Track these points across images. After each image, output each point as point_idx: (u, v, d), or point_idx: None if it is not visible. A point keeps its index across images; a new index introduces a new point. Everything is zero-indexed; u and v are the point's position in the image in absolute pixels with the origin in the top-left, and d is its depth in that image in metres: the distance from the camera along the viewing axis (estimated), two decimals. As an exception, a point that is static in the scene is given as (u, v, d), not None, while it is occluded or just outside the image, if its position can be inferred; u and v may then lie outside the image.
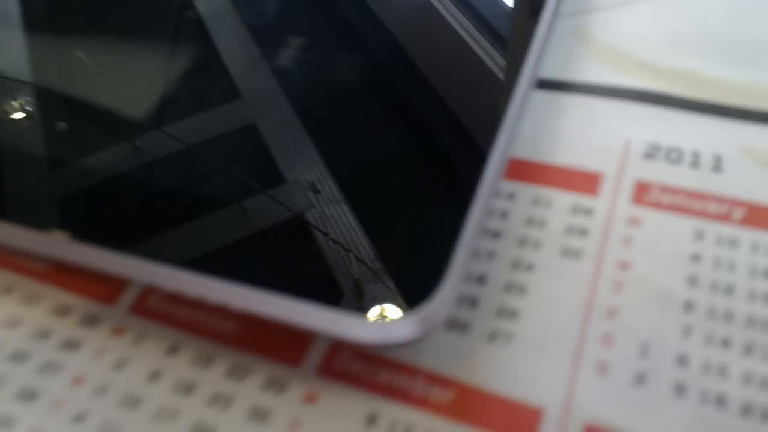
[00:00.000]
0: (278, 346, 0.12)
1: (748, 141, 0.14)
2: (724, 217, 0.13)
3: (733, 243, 0.13)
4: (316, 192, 0.63)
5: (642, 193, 0.14)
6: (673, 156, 0.14)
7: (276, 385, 0.12)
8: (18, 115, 0.81)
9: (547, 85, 0.16)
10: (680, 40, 0.17)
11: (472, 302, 0.13)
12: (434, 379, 0.11)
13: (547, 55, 0.16)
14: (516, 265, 0.13)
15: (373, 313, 0.52)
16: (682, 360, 0.11)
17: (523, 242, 0.13)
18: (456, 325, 0.12)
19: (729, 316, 0.12)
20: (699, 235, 0.13)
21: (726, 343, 0.11)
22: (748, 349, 0.11)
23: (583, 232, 0.13)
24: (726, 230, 0.13)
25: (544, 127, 0.15)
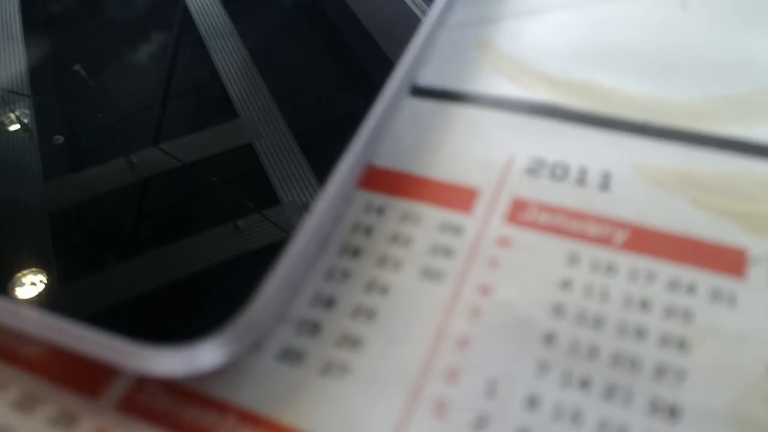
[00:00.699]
0: (78, 376, 0.11)
1: (642, 158, 0.13)
2: (604, 241, 0.11)
3: (610, 269, 0.11)
4: None
5: (518, 211, 0.12)
6: (558, 172, 0.13)
7: (66, 418, 0.10)
8: (14, 127, 0.79)
9: (428, 93, 0.14)
10: (583, 51, 0.15)
11: (314, 328, 0.11)
12: (247, 419, 0.10)
13: (438, 63, 0.15)
14: (370, 287, 0.11)
15: None
16: (533, 402, 0.10)
17: (382, 262, 0.12)
18: (289, 354, 0.11)
19: (593, 353, 0.10)
20: (573, 260, 0.11)
21: (585, 384, 0.10)
22: (609, 392, 0.10)
23: (448, 253, 0.12)
24: (604, 255, 0.11)
25: (421, 137, 0.14)
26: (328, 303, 0.11)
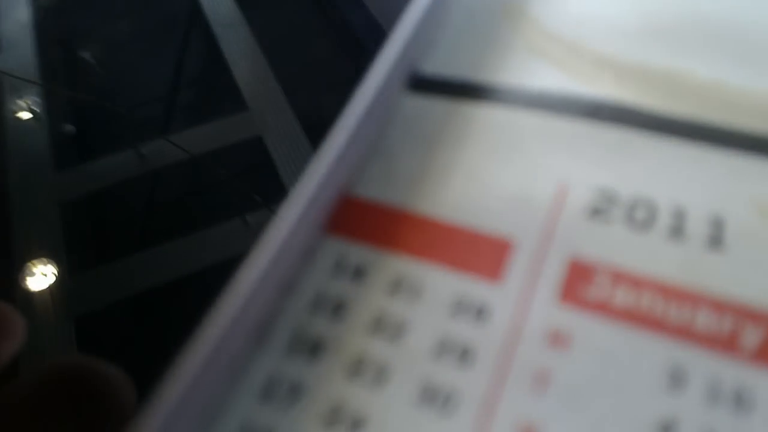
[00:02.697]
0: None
1: (771, 193, 0.08)
2: (725, 343, 0.07)
3: (740, 398, 0.06)
4: None
5: (578, 282, 0.07)
6: (640, 215, 0.08)
7: None
8: (25, 115, 0.74)
9: (436, 86, 0.09)
10: (662, 25, 0.10)
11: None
12: None
13: (449, 44, 0.10)
14: (335, 416, 0.07)
15: None
16: None
17: (358, 368, 0.07)
18: None
19: None
20: (676, 378, 0.06)
21: None
22: None
23: (465, 355, 0.07)
24: (728, 370, 0.06)
25: (424, 155, 0.09)
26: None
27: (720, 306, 0.07)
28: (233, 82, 1.06)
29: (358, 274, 0.08)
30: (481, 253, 0.07)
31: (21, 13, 1.21)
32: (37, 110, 0.96)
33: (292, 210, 0.07)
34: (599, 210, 0.08)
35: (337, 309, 0.07)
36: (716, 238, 0.07)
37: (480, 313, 0.07)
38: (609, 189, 0.08)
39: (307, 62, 1.10)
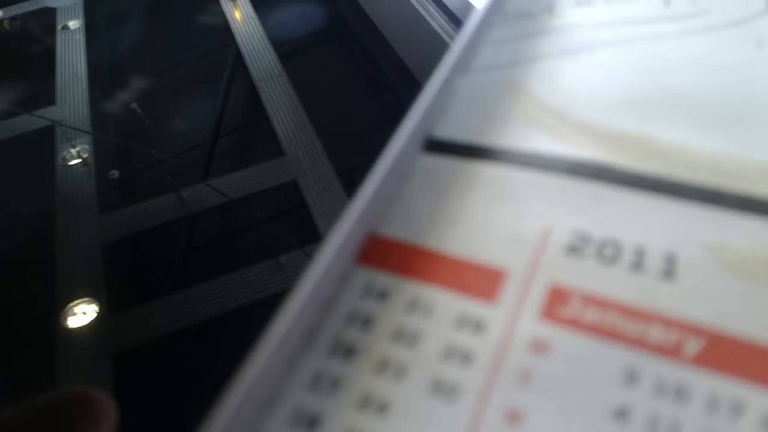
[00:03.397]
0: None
1: (718, 237, 0.10)
2: (671, 351, 0.08)
3: (680, 393, 0.08)
4: None
5: (556, 303, 0.09)
6: (608, 252, 0.10)
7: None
8: (75, 162, 0.80)
9: (446, 147, 0.11)
10: (636, 98, 0.12)
11: (289, 459, 0.08)
12: None
13: (458, 112, 0.12)
14: (366, 402, 0.08)
15: None
16: None
17: (383, 367, 0.09)
18: (253, 496, 0.08)
19: None
20: (631, 377, 0.08)
21: None
22: None
23: (466, 358, 0.09)
24: (672, 371, 0.08)
25: (436, 202, 0.11)
26: (311, 424, 0.08)
27: (669, 322, 0.09)
28: (271, 129, 1.10)
29: (382, 296, 0.10)
30: (480, 280, 0.09)
31: (76, 69, 1.29)
32: (86, 156, 1.02)
33: (331, 245, 0.09)
34: (575, 248, 0.10)
35: (366, 322, 0.09)
36: (669, 271, 0.09)
37: (478, 326, 0.09)
38: (584, 231, 0.10)
39: (341, 110, 1.15)
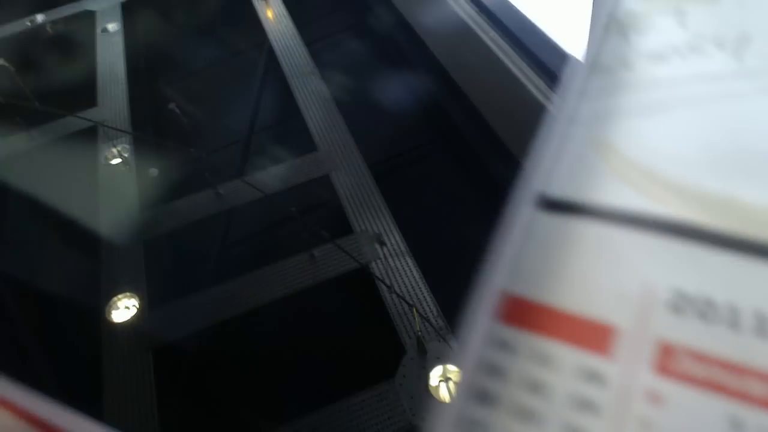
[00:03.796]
0: None
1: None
2: (770, 403, 0.10)
3: (782, 441, 0.09)
4: (382, 244, 0.62)
5: (666, 359, 0.11)
6: (706, 310, 0.11)
7: None
8: (116, 161, 0.85)
9: (556, 206, 0.13)
10: (720, 158, 0.13)
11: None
12: None
13: (557, 169, 0.14)
14: (508, 446, 0.10)
15: (435, 372, 0.49)
16: None
17: (519, 414, 0.10)
18: None
19: None
20: (737, 426, 0.10)
21: None
22: None
23: (592, 407, 0.10)
24: (773, 422, 0.10)
25: (545, 258, 0.12)
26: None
27: (765, 377, 0.10)
28: (304, 125, 1.12)
29: (510, 349, 0.11)
30: (594, 335, 0.11)
31: (115, 70, 1.32)
32: (127, 156, 1.05)
33: (478, 304, 0.11)
34: (677, 306, 0.11)
35: (500, 374, 0.11)
36: (761, 329, 0.11)
37: (598, 378, 0.10)
38: (682, 289, 0.11)
39: (372, 105, 1.16)
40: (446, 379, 0.75)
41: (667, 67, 0.15)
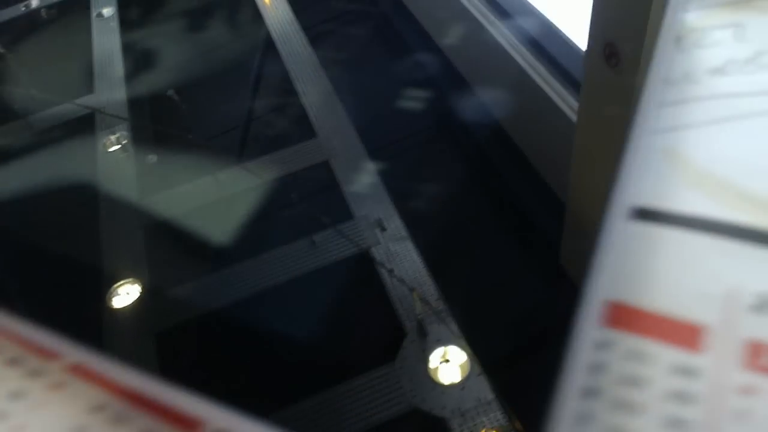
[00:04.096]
0: None
1: None
2: None
3: None
4: (383, 229, 0.63)
5: (755, 355, 0.12)
6: (787, 310, 0.12)
7: None
8: (114, 148, 0.85)
9: (644, 215, 0.14)
10: (785, 167, 0.14)
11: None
12: None
13: (641, 180, 0.15)
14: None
15: (435, 355, 0.50)
16: None
17: (621, 406, 0.11)
18: None
19: None
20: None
21: None
22: None
23: (688, 399, 0.11)
24: None
25: (641, 264, 0.13)
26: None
27: None
28: (303, 111, 1.12)
29: (607, 347, 0.12)
30: (686, 333, 0.12)
31: (111, 56, 1.30)
32: (125, 142, 1.04)
33: (588, 316, 0.12)
34: (758, 306, 0.12)
35: (600, 370, 0.12)
36: (839, 326, 0.12)
37: (692, 371, 0.11)
38: (763, 292, 0.12)
39: (371, 91, 1.16)
40: (446, 361, 0.77)
41: (728, 81, 0.16)
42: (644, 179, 0.14)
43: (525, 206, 0.89)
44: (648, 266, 0.13)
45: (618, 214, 0.13)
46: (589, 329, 0.12)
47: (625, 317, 0.12)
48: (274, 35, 1.14)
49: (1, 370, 0.14)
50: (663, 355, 0.12)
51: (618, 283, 0.13)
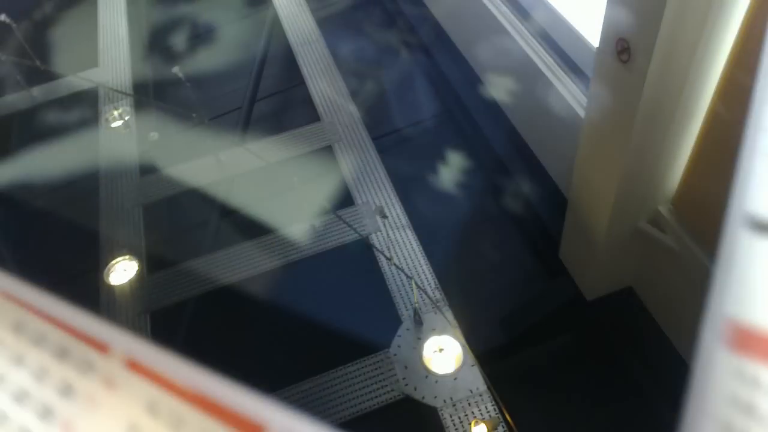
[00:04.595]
0: None
1: None
2: None
3: None
4: (384, 216, 0.62)
5: None
6: None
7: None
8: (116, 123, 0.83)
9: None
10: None
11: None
12: None
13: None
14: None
15: (430, 344, 0.50)
16: None
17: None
18: None
19: None
20: None
21: None
22: None
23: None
24: None
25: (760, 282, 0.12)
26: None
27: None
28: (308, 94, 1.10)
29: (755, 383, 0.11)
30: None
31: (117, 31, 1.26)
32: (128, 118, 1.02)
33: (708, 333, 0.11)
34: None
35: (748, 410, 0.11)
36: None
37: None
38: None
39: (377, 76, 1.14)
40: (440, 351, 0.77)
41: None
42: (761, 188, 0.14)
43: (530, 200, 0.89)
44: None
45: (739, 226, 0.12)
46: (722, 357, 0.11)
47: (758, 343, 0.12)
48: (281, 15, 1.10)
49: (51, 362, 0.13)
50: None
51: (746, 303, 0.12)
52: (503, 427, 0.73)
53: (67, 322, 0.14)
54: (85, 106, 0.94)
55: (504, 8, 0.87)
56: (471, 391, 0.74)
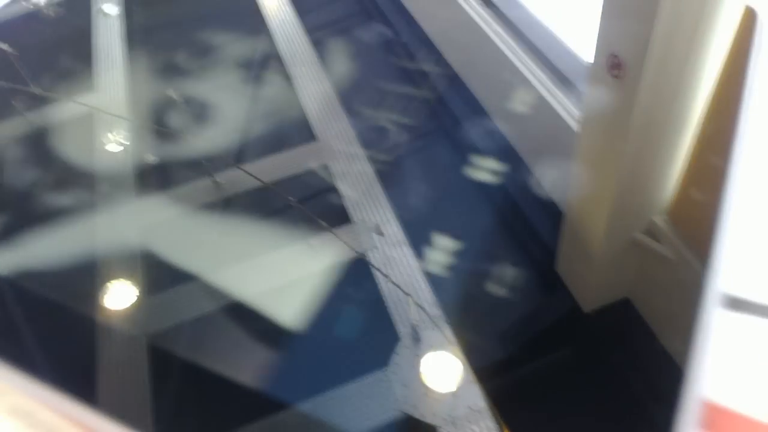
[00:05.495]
0: None
1: None
2: None
3: None
4: (380, 234, 0.60)
5: None
6: None
7: None
8: (113, 147, 0.80)
9: (740, 305, 0.11)
10: None
11: None
12: None
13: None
14: None
15: (427, 360, 0.47)
16: None
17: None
18: None
19: None
20: None
21: None
22: None
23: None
24: None
25: (743, 361, 0.11)
26: None
27: None
28: (303, 114, 1.08)
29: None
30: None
31: (112, 54, 1.26)
32: (124, 142, 1.00)
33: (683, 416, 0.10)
34: None
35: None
36: None
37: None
38: None
39: (373, 96, 1.13)
40: (439, 368, 0.74)
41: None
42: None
43: (529, 219, 0.88)
44: (752, 364, 0.11)
45: (715, 303, 0.10)
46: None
47: (731, 426, 0.10)
48: (276, 37, 1.10)
49: None
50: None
51: (722, 383, 0.11)
52: (503, 444, 0.70)
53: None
54: (82, 130, 0.93)
55: (498, 28, 0.86)
56: (471, 408, 0.72)
